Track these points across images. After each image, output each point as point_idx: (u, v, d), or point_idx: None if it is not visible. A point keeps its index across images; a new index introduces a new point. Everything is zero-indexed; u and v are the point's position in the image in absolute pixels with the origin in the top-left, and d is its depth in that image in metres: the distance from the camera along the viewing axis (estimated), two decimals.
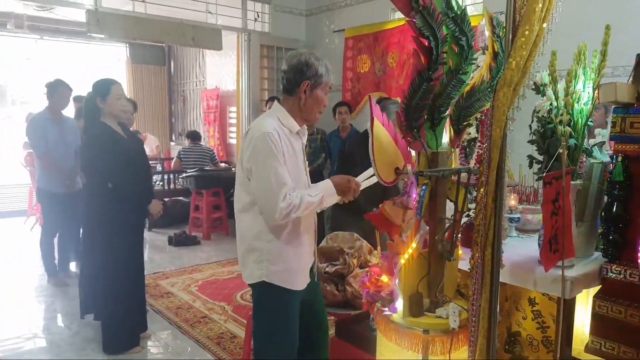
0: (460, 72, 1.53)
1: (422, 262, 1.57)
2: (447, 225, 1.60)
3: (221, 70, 7.24)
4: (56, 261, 4.31)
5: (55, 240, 4.31)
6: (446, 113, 1.59)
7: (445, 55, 1.49)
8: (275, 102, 1.88)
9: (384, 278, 1.58)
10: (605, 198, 1.68)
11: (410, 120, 1.51)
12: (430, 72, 1.46)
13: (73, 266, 4.59)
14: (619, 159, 1.59)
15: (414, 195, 1.58)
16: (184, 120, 8.68)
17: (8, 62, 7.72)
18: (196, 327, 3.47)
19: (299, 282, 1.85)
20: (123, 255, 2.87)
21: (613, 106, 1.60)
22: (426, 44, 1.44)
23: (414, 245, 1.53)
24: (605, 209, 1.66)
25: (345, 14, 5.55)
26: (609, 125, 1.91)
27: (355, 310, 2.34)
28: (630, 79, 1.66)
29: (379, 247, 2.29)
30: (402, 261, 1.55)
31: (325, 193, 1.73)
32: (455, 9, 1.49)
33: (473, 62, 1.57)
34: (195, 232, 6.10)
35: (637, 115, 1.53)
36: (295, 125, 1.82)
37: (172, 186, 6.84)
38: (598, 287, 1.70)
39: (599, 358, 1.73)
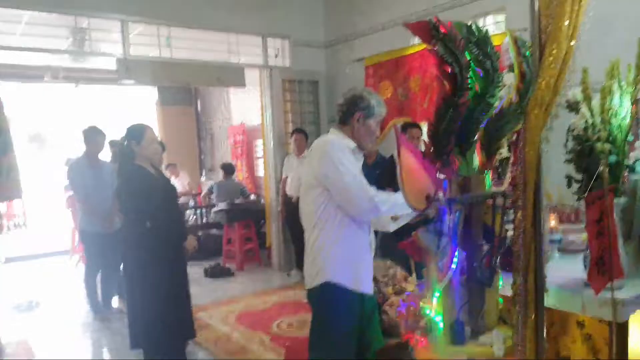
0: (488, 95, 1.51)
1: (461, 290, 1.53)
2: (485, 250, 1.55)
3: (245, 106, 7.40)
4: (100, 298, 4.42)
5: (98, 278, 4.44)
6: (475, 137, 1.57)
7: (469, 80, 1.48)
8: (331, 128, 2.09)
9: (423, 306, 1.54)
10: None
11: (439, 146, 1.49)
12: (456, 98, 1.45)
13: (115, 302, 4.71)
14: None
15: (448, 221, 1.55)
16: (212, 156, 8.88)
17: (46, 110, 8.11)
18: (236, 357, 3.47)
19: (362, 284, 1.96)
20: (163, 290, 2.91)
21: None
22: (449, 70, 1.44)
23: (451, 272, 1.49)
24: None
25: (365, 43, 5.60)
26: None
27: (393, 339, 2.28)
28: None
29: (414, 274, 2.25)
30: (440, 290, 1.51)
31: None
32: (477, 32, 1.49)
33: (499, 84, 1.55)
34: (229, 263, 6.17)
35: None
36: (350, 142, 1.98)
37: (204, 220, 6.94)
38: None
39: None
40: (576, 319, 2.21)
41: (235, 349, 3.62)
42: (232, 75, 5.21)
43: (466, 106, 1.46)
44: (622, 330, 1.63)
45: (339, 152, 1.88)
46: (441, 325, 1.52)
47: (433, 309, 1.53)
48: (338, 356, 1.96)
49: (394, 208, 1.80)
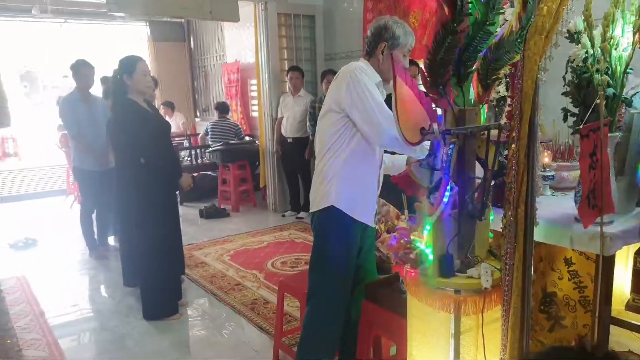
0: (488, 22, 1.44)
1: (452, 223, 1.53)
2: (477, 184, 1.54)
3: (240, 44, 7.17)
4: (95, 236, 4.49)
5: (94, 216, 4.49)
6: (473, 67, 1.52)
7: (470, 5, 1.40)
8: (360, 59, 2.04)
9: (414, 239, 1.55)
10: None
11: (436, 76, 1.45)
12: (455, 25, 1.39)
13: (112, 240, 4.80)
14: None
15: (441, 155, 1.53)
16: (207, 96, 8.70)
17: (35, 48, 7.85)
18: (230, 294, 3.57)
19: (365, 215, 2.02)
20: (158, 227, 2.96)
21: None
22: None
23: (443, 206, 1.49)
24: None
25: None
26: None
27: (384, 274, 2.33)
28: None
29: (406, 211, 2.26)
30: (431, 222, 1.51)
31: None
32: None
33: (500, 11, 1.48)
34: (224, 204, 6.23)
35: None
36: (376, 75, 1.96)
37: (200, 161, 6.93)
38: (639, 244, 1.62)
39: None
40: (564, 256, 2.26)
41: (230, 285, 3.72)
42: (226, 9, 5.00)
43: (465, 33, 1.40)
44: (608, 265, 1.66)
45: (366, 77, 1.86)
46: (431, 257, 1.54)
47: (424, 241, 1.55)
48: (336, 281, 2.03)
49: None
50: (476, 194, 1.54)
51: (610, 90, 1.56)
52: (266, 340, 2.88)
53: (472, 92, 1.54)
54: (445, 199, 1.49)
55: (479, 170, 1.57)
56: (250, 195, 6.42)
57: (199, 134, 7.42)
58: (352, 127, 1.92)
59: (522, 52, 1.35)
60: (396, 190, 2.23)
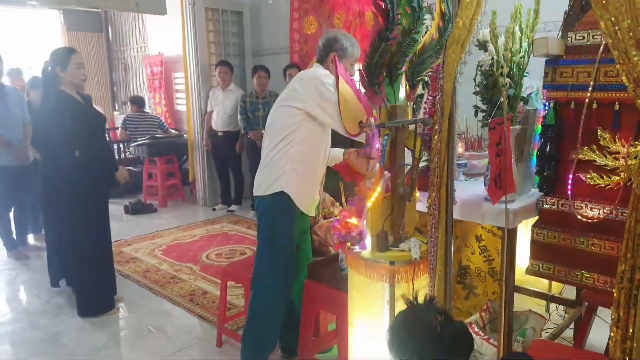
0: (413, 31, 1.68)
1: (386, 204, 1.76)
2: (406, 170, 1.79)
3: (163, 36, 7.03)
4: (14, 235, 4.26)
5: (11, 214, 4.25)
6: (402, 70, 1.75)
7: (399, 16, 1.63)
8: (315, 63, 2.27)
9: (353, 220, 1.77)
10: (540, 140, 1.92)
11: (372, 77, 1.66)
12: (388, 32, 1.61)
13: (31, 238, 4.55)
14: (551, 105, 1.82)
15: (377, 146, 1.75)
16: (126, 88, 8.40)
17: None
18: (167, 287, 3.59)
19: (306, 205, 2.21)
20: (93, 221, 2.93)
21: (545, 59, 1.82)
22: (383, 6, 1.58)
23: (378, 189, 1.71)
24: (539, 149, 1.90)
25: None
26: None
27: (321, 257, 2.55)
28: (560, 34, 1.89)
29: (343, 197, 2.48)
30: (369, 204, 1.73)
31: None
32: None
33: (424, 21, 1.72)
34: (150, 200, 6.10)
35: (565, 66, 1.75)
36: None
37: (123, 156, 6.72)
38: (536, 218, 1.95)
39: (538, 278, 2.02)
40: (475, 234, 2.61)
41: (166, 279, 3.72)
42: (152, 1, 4.93)
43: (396, 40, 1.63)
44: (511, 236, 1.98)
45: (329, 79, 2.06)
46: (369, 234, 1.76)
47: (362, 221, 1.77)
48: (282, 263, 2.19)
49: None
50: (405, 179, 1.79)
51: (512, 91, 1.87)
52: (208, 328, 2.97)
53: (402, 90, 1.78)
54: (380, 184, 1.72)
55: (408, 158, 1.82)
56: (179, 190, 6.35)
57: (117, 128, 7.18)
58: (307, 123, 2.10)
59: (442, 58, 1.61)
60: (332, 180, 2.46)
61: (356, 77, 1.98)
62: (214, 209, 5.79)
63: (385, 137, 1.68)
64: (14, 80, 4.96)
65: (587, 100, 1.65)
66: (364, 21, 4.90)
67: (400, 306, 1.79)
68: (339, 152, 2.31)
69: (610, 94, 1.64)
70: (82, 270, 3.04)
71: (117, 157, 6.62)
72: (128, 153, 6.72)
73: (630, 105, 1.49)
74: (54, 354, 2.72)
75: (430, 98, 2.17)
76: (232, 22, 5.89)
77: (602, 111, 1.67)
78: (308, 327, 2.31)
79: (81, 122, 2.75)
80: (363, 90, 1.71)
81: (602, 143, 1.66)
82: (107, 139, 7.15)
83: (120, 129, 6.75)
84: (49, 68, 2.79)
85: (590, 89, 1.65)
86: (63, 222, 3.09)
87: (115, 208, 5.85)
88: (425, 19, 1.74)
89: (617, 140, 1.64)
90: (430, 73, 1.92)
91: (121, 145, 6.80)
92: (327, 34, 2.25)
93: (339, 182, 2.41)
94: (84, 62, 2.94)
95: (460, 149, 2.45)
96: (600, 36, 1.64)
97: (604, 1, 1.30)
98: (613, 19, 1.29)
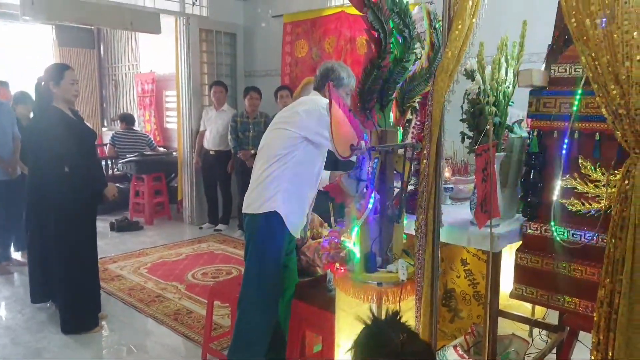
0: (404, 60, 1.75)
1: (374, 226, 1.80)
2: (395, 193, 1.83)
3: (155, 54, 7.10)
4: None
5: None
6: (393, 96, 1.82)
7: (391, 45, 1.70)
8: (313, 90, 2.37)
9: (343, 240, 1.80)
10: (524, 167, 1.99)
11: (364, 102, 1.72)
12: (380, 60, 1.67)
13: (17, 254, 4.49)
14: (535, 133, 1.89)
15: (367, 168, 1.80)
16: (116, 105, 8.42)
17: None
18: (151, 305, 3.56)
19: (294, 227, 2.25)
20: (79, 237, 2.91)
21: (529, 89, 1.90)
22: (376, 35, 1.65)
23: (367, 211, 1.75)
24: (524, 176, 1.97)
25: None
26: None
27: (309, 277, 2.56)
28: (544, 66, 1.97)
29: (332, 218, 2.52)
30: (358, 225, 1.77)
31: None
32: (399, 4, 1.71)
33: (414, 51, 1.80)
34: (136, 217, 6.06)
35: (549, 97, 1.83)
36: None
37: (110, 172, 6.69)
38: (519, 243, 2.00)
39: (521, 302, 2.05)
40: (460, 257, 2.65)
41: (151, 297, 3.69)
42: (147, 21, 5.00)
43: (387, 68, 1.69)
44: (496, 260, 2.02)
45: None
46: (357, 255, 1.79)
47: (351, 242, 1.80)
48: (271, 281, 2.20)
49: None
50: (394, 201, 1.83)
51: (497, 119, 1.94)
52: (192, 347, 2.94)
53: (392, 116, 1.84)
54: (370, 206, 1.76)
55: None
56: (165, 208, 6.33)
57: (106, 144, 7.17)
58: (305, 146, 2.16)
59: (431, 86, 1.67)
60: (321, 201, 2.49)
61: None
62: (200, 228, 5.77)
63: (375, 160, 1.73)
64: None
65: (568, 129, 1.72)
66: (355, 47, 5.01)
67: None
68: (325, 174, 2.36)
69: (591, 124, 1.71)
70: (66, 286, 3.01)
71: (105, 173, 6.59)
72: (116, 170, 6.70)
73: (610, 136, 1.56)
74: None
75: (418, 123, 2.24)
76: (225, 43, 5.99)
77: (584, 140, 1.74)
78: (294, 348, 2.31)
79: (72, 138, 2.77)
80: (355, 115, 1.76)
81: (583, 171, 1.73)
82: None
83: (108, 145, 6.75)
84: (42, 83, 2.81)
85: (571, 119, 1.72)
86: (48, 237, 3.06)
87: (101, 225, 5.76)
88: (416, 48, 1.82)
89: (597, 169, 1.70)
90: (419, 100, 1.99)
91: (109, 162, 6.77)
92: (325, 64, 2.33)
93: (329, 203, 2.44)
94: (77, 79, 2.97)
95: (447, 173, 2.51)
96: (581, 69, 1.72)
97: (584, 37, 1.37)
98: (593, 54, 1.36)
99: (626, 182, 1.31)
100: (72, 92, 2.83)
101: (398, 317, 1.38)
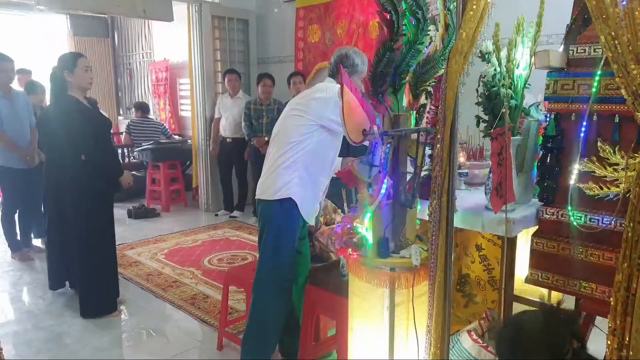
0: (418, 42, 1.72)
1: (387, 211, 1.79)
2: (408, 178, 1.81)
3: (169, 42, 7.11)
4: (18, 237, 4.29)
5: (16, 216, 4.29)
6: (406, 79, 1.79)
7: (404, 27, 1.67)
8: (328, 77, 2.33)
9: (356, 226, 1.79)
10: (541, 151, 1.95)
11: (376, 86, 1.70)
12: (392, 43, 1.64)
13: (37, 241, 4.59)
14: (552, 116, 1.85)
15: (379, 154, 1.78)
16: (131, 94, 8.48)
17: None
18: (169, 290, 3.61)
19: (310, 214, 2.26)
20: (98, 225, 2.96)
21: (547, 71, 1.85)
22: (388, 17, 1.62)
23: (380, 196, 1.74)
24: (540, 160, 1.93)
25: None
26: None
27: (323, 263, 2.57)
28: (562, 46, 1.92)
29: (345, 203, 2.51)
30: (371, 211, 1.76)
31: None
32: None
33: (428, 33, 1.76)
34: (153, 204, 6.14)
35: (567, 79, 1.78)
36: None
37: (127, 160, 6.77)
38: (535, 228, 1.98)
39: (537, 287, 2.03)
40: (475, 243, 2.63)
41: (168, 283, 3.75)
42: (159, 8, 5.00)
43: (400, 51, 1.66)
44: (511, 245, 2.00)
45: None
46: (370, 241, 1.79)
47: (364, 227, 1.79)
48: (286, 267, 2.21)
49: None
50: (407, 187, 1.81)
51: (513, 102, 1.90)
52: (209, 331, 2.99)
53: (405, 100, 1.81)
54: (382, 191, 1.74)
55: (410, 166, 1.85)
56: (182, 195, 6.39)
57: (122, 133, 7.25)
58: (320, 133, 2.15)
59: (445, 69, 1.64)
60: (334, 187, 2.48)
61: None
62: (216, 215, 5.83)
63: (388, 145, 1.71)
64: (21, 77, 4.93)
65: (587, 112, 1.68)
66: (367, 31, 4.95)
67: (401, 312, 1.82)
68: (338, 160, 2.35)
69: (610, 107, 1.67)
70: (85, 272, 3.07)
71: (121, 161, 6.68)
72: (132, 158, 6.78)
73: (629, 118, 1.52)
74: (57, 354, 2.74)
75: (433, 108, 2.21)
76: (238, 30, 5.96)
77: (602, 123, 1.70)
78: (309, 332, 2.32)
79: (88, 126, 2.80)
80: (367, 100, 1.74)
81: (601, 155, 1.69)
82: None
83: (124, 133, 6.82)
84: (57, 72, 2.84)
85: (590, 101, 1.68)
86: (66, 224, 3.12)
87: (119, 212, 5.87)
88: (430, 30, 1.78)
89: (616, 152, 1.66)
90: (433, 83, 1.96)
91: (125, 150, 6.85)
92: (339, 51, 2.30)
93: (342, 189, 2.44)
94: (91, 66, 2.99)
95: (461, 158, 2.48)
96: (601, 49, 1.67)
97: (604, 15, 1.33)
98: (613, 33, 1.32)
99: None
100: (86, 79, 2.85)
101: (577, 320, 1.26)
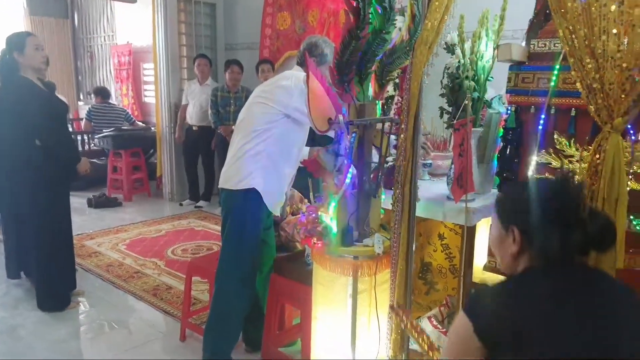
0: (384, 31, 1.72)
1: (352, 200, 1.80)
2: (373, 168, 1.82)
3: (132, 25, 6.89)
4: None
5: None
6: (372, 69, 1.79)
7: (370, 16, 1.66)
8: (296, 65, 2.28)
9: (321, 215, 1.79)
10: (501, 143, 2.00)
11: (342, 75, 1.69)
12: (359, 31, 1.64)
13: None
14: (513, 109, 1.89)
15: (345, 143, 1.78)
16: (92, 78, 8.19)
17: None
18: (130, 281, 3.53)
19: (274, 205, 2.24)
20: (53, 213, 2.85)
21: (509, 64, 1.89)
22: (355, 5, 1.61)
23: (345, 186, 1.74)
24: (500, 151, 1.98)
25: None
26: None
27: (288, 252, 2.57)
28: (524, 41, 1.96)
29: (311, 194, 2.51)
30: (336, 200, 1.76)
31: None
32: None
33: (394, 22, 1.76)
34: (115, 193, 5.97)
35: (527, 72, 1.83)
36: None
37: (87, 147, 6.55)
38: None
39: (494, 274, 2.09)
40: (438, 232, 2.68)
41: (129, 274, 3.66)
42: None
43: (366, 39, 1.66)
44: (471, 234, 2.05)
45: None
46: (335, 229, 1.79)
47: (329, 216, 1.79)
48: (249, 257, 2.20)
49: None
50: (372, 176, 1.82)
51: (476, 94, 1.94)
52: (171, 322, 2.94)
53: (371, 89, 1.82)
54: (347, 180, 1.75)
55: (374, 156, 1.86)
56: (144, 184, 6.23)
57: (82, 119, 6.99)
58: (285, 123, 2.12)
59: (410, 59, 1.65)
60: (300, 176, 2.48)
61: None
62: (180, 204, 5.72)
63: (353, 135, 1.71)
64: None
65: (545, 105, 1.73)
66: (338, 20, 4.93)
67: (363, 299, 1.84)
68: (304, 150, 2.34)
69: (567, 100, 1.72)
70: (41, 262, 2.96)
71: (81, 148, 6.45)
72: (92, 145, 6.56)
73: (584, 111, 1.57)
74: (10, 347, 2.64)
75: (400, 99, 2.22)
76: (204, 14, 5.83)
77: (560, 116, 1.75)
78: (273, 320, 2.32)
79: (43, 110, 2.67)
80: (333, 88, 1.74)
81: (558, 147, 1.75)
82: (71, 129, 7.00)
83: (84, 120, 6.58)
84: (6, 54, 2.69)
85: (549, 94, 1.73)
86: (22, 212, 2.99)
87: (78, 201, 5.70)
88: (396, 20, 1.78)
89: (572, 144, 1.72)
90: (400, 74, 1.97)
91: (85, 137, 6.62)
92: (308, 39, 2.26)
93: (308, 179, 2.43)
94: (42, 44, 2.85)
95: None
96: (560, 44, 1.71)
97: (562, 10, 1.36)
98: (570, 28, 1.35)
99: (597, 156, 1.32)
100: (38, 59, 2.72)
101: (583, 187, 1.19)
